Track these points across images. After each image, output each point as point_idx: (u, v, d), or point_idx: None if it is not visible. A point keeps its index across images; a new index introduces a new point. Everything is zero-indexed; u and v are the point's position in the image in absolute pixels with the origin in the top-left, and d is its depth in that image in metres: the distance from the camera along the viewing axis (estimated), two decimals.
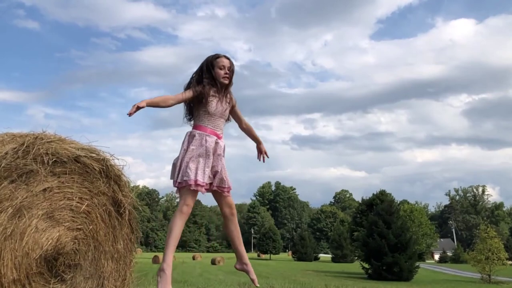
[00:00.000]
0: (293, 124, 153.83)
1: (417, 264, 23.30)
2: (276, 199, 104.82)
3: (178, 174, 3.07)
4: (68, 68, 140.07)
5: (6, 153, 2.97)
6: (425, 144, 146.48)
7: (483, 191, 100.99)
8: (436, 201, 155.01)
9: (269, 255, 53.08)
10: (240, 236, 3.41)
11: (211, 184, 3.15)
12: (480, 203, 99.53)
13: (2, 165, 2.91)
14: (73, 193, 3.22)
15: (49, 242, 3.11)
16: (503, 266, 22.87)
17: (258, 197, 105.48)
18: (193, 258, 42.28)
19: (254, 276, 3.40)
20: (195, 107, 3.23)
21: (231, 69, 3.23)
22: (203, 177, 3.04)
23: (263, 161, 3.53)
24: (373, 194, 43.35)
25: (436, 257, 67.12)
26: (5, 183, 2.94)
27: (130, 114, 2.91)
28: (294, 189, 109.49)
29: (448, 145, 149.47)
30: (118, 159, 3.38)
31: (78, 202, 3.25)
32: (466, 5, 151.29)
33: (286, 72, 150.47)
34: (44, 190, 3.11)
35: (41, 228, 3.09)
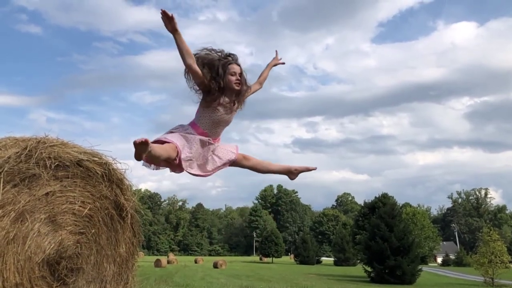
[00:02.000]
0: (295, 127, 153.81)
1: (419, 267, 23.20)
2: (278, 202, 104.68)
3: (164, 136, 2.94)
4: (70, 72, 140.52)
5: (9, 158, 2.98)
6: (427, 147, 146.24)
7: (486, 194, 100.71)
8: (438, 204, 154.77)
9: (271, 258, 52.93)
10: (267, 162, 3.35)
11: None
12: (483, 206, 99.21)
13: (5, 169, 2.93)
14: (75, 197, 3.23)
15: (52, 246, 3.12)
16: (506, 269, 22.75)
17: (260, 200, 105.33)
18: (195, 261, 42.20)
19: (308, 166, 3.33)
20: (201, 104, 3.15)
21: (242, 75, 3.15)
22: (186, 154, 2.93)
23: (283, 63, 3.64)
24: (375, 197, 43.21)
25: (439, 260, 66.84)
26: (8, 187, 2.95)
27: (163, 10, 2.76)
28: (296, 192, 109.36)
29: (450, 148, 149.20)
30: (120, 163, 3.40)
31: (80, 206, 3.26)
32: (467, 8, 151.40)
33: (288, 76, 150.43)
34: (47, 194, 3.12)
35: (43, 232, 3.10)
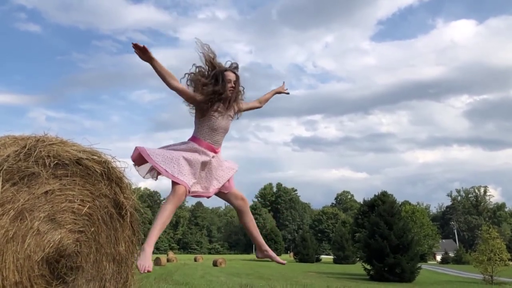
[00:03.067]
0: (294, 125, 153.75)
1: (419, 265, 23.23)
2: (277, 200, 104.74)
3: (171, 166, 2.95)
4: (69, 71, 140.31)
5: (8, 156, 2.98)
6: (426, 145, 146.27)
7: (485, 192, 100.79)
8: (438, 202, 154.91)
9: None
10: (256, 226, 3.39)
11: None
12: (482, 204, 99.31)
13: (4, 167, 2.92)
14: (74, 195, 3.23)
15: (51, 245, 3.12)
16: (505, 266, 22.79)
17: (259, 198, 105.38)
18: (195, 259, 42.23)
19: (278, 259, 3.37)
20: (196, 116, 3.20)
21: (237, 82, 3.20)
22: (190, 181, 2.96)
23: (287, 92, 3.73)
24: (375, 195, 43.31)
25: (438, 258, 66.95)
26: (7, 185, 2.95)
27: (135, 44, 2.85)
28: (296, 190, 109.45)
29: (450, 146, 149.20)
30: (119, 161, 3.39)
31: (79, 205, 3.26)
32: (466, 6, 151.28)
33: (287, 74, 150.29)
34: (46, 192, 3.12)
35: (43, 230, 3.10)
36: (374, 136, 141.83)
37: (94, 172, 3.28)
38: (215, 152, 3.15)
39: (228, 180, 3.20)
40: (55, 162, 3.11)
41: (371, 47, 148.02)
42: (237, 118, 3.35)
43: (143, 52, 2.89)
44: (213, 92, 3.08)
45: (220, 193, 3.23)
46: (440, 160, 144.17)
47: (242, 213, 3.30)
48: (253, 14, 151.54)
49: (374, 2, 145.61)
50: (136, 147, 3.01)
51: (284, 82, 3.75)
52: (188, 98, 3.13)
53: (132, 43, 2.85)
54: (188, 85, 3.15)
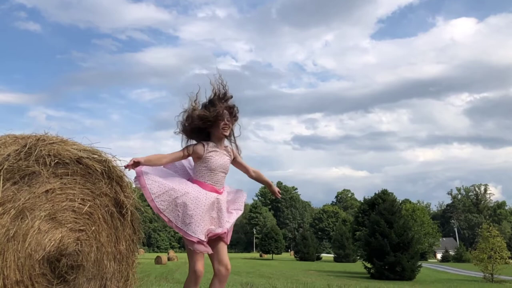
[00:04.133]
0: (294, 124, 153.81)
1: (419, 263, 23.25)
2: (278, 199, 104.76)
3: (175, 214, 2.96)
4: (69, 69, 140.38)
5: (9, 155, 2.98)
6: (426, 144, 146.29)
7: (485, 190, 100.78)
8: (438, 200, 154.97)
9: (271, 255, 53.02)
10: None
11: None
12: (482, 202, 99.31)
13: (5, 167, 2.92)
14: (75, 194, 3.23)
15: (52, 244, 3.12)
16: (505, 265, 22.82)
17: (260, 197, 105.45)
18: None
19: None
20: (193, 160, 3.18)
21: (233, 115, 3.16)
22: (203, 234, 2.94)
23: (280, 198, 3.63)
24: (375, 193, 43.29)
25: (439, 256, 66.99)
26: (7, 184, 2.95)
27: (126, 167, 2.97)
28: (296, 189, 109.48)
29: (450, 144, 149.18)
30: (120, 160, 3.38)
31: (80, 204, 3.26)
32: (466, 4, 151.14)
33: (287, 73, 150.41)
34: (47, 191, 3.12)
35: (43, 229, 3.10)
36: (374, 135, 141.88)
37: (95, 171, 3.28)
38: (219, 193, 3.11)
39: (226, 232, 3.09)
40: (55, 161, 3.11)
41: (371, 45, 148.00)
42: (239, 154, 3.31)
43: (135, 165, 2.95)
44: (202, 120, 3.07)
45: (213, 242, 3.04)
46: (440, 158, 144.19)
47: (217, 282, 3.05)
48: (253, 13, 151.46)
49: (374, 0, 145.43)
50: (137, 177, 3.02)
51: (280, 191, 3.57)
52: (184, 157, 3.15)
53: (124, 166, 2.97)
54: (176, 133, 3.17)
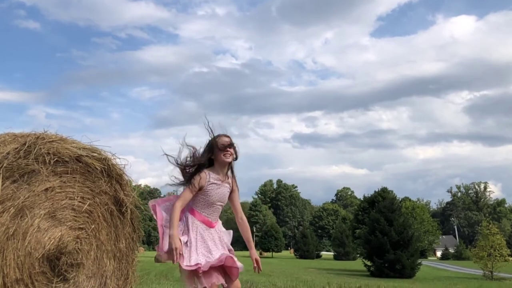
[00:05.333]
0: (294, 122, 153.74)
1: (419, 261, 23.24)
2: (277, 197, 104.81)
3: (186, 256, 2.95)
4: (69, 68, 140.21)
5: (8, 153, 2.97)
6: (426, 141, 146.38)
7: (485, 188, 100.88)
8: (438, 198, 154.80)
9: (271, 253, 53.11)
10: None
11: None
12: (482, 199, 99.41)
13: (4, 165, 2.92)
14: (74, 192, 3.23)
15: (52, 242, 3.12)
16: (505, 262, 22.82)
17: (260, 195, 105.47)
18: None
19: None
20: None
21: (232, 146, 3.11)
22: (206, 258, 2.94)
23: (258, 272, 3.33)
24: (375, 191, 43.21)
25: (438, 254, 67.07)
26: (7, 183, 2.95)
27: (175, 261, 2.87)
28: (296, 187, 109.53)
29: (450, 142, 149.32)
30: (119, 159, 3.39)
31: (80, 202, 3.26)
32: (466, 2, 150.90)
33: (287, 71, 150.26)
34: (46, 189, 3.11)
35: (43, 227, 3.10)
36: (374, 133, 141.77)
37: (94, 169, 3.28)
38: (211, 227, 3.08)
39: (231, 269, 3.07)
40: (55, 159, 3.11)
41: (371, 43, 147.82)
42: (231, 192, 3.22)
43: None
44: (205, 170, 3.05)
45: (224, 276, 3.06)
46: (440, 156, 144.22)
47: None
48: (253, 11, 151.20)
49: None
50: (156, 211, 3.02)
51: (258, 268, 3.31)
52: (193, 194, 3.08)
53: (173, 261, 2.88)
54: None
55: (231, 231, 3.26)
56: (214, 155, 3.11)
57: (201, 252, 2.95)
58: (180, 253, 2.85)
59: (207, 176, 3.06)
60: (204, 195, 3.06)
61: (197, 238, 2.99)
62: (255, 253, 3.24)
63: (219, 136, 3.15)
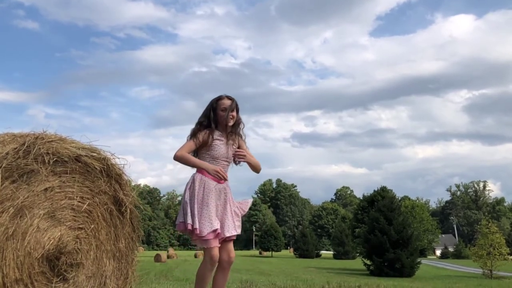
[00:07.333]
0: (293, 121, 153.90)
1: (418, 260, 23.27)
2: (277, 196, 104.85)
3: (187, 217, 3.05)
4: (68, 68, 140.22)
5: (7, 153, 2.97)
6: (426, 140, 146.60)
7: (484, 187, 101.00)
8: (437, 197, 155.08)
9: (270, 252, 53.11)
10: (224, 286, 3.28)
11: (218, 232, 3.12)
12: (481, 198, 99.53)
13: (3, 165, 2.92)
14: (74, 192, 3.23)
15: (51, 242, 3.12)
16: (504, 261, 22.85)
17: (259, 194, 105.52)
18: (195, 256, 42.32)
19: None
20: (198, 149, 3.23)
21: (235, 109, 3.20)
22: (210, 227, 3.03)
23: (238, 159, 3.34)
24: (374, 190, 43.28)
25: (438, 253, 67.15)
26: (6, 183, 2.94)
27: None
28: (295, 186, 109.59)
29: (449, 141, 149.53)
30: (119, 158, 3.39)
31: (79, 202, 3.25)
32: (465, 1, 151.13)
33: (286, 70, 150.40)
34: (45, 189, 3.11)
35: (42, 227, 3.10)
36: (374, 132, 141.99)
37: (94, 169, 3.28)
38: (220, 183, 3.15)
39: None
40: (54, 159, 3.10)
41: (370, 42, 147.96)
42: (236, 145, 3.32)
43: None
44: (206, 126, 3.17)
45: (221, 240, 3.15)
46: (439, 155, 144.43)
47: (222, 269, 3.22)
48: (252, 10, 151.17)
49: None
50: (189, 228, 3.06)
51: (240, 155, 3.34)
52: (196, 146, 3.18)
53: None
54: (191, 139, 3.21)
55: (251, 200, 3.43)
56: (216, 117, 3.18)
57: (205, 218, 3.03)
58: (225, 174, 3.07)
59: (212, 132, 3.15)
60: (210, 151, 3.15)
61: (203, 201, 3.06)
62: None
63: (220, 98, 3.20)
